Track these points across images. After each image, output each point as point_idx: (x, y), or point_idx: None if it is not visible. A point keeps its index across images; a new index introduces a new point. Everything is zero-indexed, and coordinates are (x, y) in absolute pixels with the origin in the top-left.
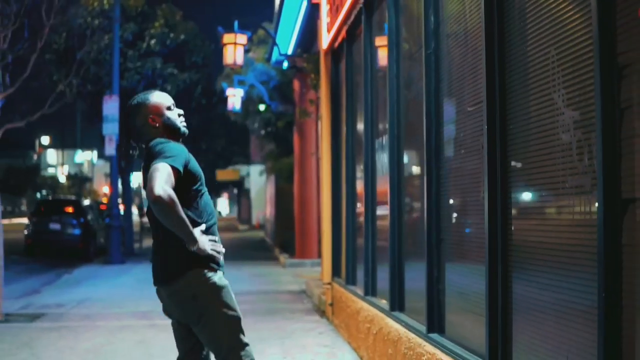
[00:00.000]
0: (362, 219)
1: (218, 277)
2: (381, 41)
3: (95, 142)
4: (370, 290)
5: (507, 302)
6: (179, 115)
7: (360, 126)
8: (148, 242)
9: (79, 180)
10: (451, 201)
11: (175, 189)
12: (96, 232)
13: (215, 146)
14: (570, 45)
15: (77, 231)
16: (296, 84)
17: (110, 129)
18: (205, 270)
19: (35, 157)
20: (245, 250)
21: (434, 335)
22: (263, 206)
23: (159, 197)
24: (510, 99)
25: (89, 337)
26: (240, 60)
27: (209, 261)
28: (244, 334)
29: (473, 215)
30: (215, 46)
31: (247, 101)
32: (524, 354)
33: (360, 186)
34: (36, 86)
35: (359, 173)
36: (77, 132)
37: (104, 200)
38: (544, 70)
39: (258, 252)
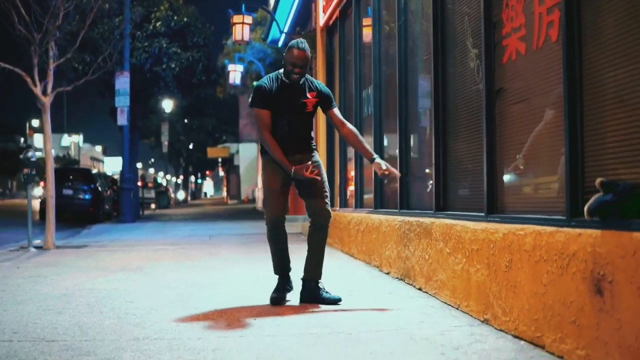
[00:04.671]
0: (353, 160)
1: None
2: (367, 19)
3: (80, 126)
4: (359, 204)
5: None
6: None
7: (350, 86)
8: (147, 211)
9: (66, 163)
10: (412, 137)
11: None
12: (104, 198)
13: (206, 125)
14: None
15: (87, 196)
16: None
17: (122, 102)
18: None
19: (22, 140)
20: (242, 214)
21: (404, 211)
22: (252, 182)
23: None
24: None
25: (137, 254)
26: (247, 37)
27: None
28: None
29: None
30: (214, 28)
31: (246, 77)
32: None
33: None
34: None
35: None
36: (63, 117)
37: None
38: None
39: (254, 215)
